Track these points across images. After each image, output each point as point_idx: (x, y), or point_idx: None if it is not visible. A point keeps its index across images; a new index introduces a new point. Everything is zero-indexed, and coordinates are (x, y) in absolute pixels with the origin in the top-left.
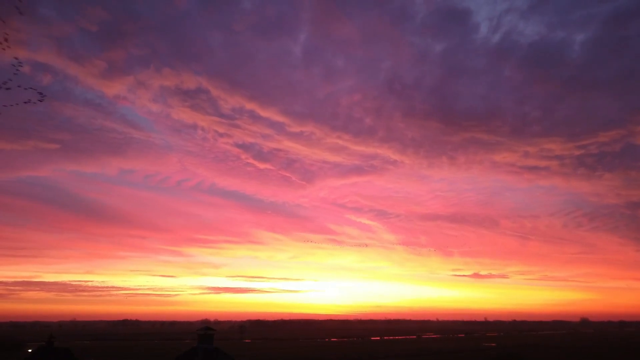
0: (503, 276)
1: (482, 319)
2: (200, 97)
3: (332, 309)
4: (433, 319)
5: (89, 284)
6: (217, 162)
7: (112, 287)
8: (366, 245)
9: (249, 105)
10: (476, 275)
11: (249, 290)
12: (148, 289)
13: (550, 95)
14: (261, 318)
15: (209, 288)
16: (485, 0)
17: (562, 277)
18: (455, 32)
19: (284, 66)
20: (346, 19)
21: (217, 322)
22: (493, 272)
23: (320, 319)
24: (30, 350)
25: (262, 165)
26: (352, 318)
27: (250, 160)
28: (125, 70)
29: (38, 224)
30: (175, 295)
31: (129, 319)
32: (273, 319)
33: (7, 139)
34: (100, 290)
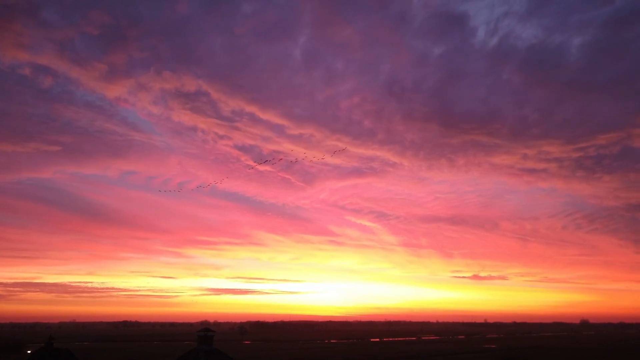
0: (503, 278)
1: (482, 321)
2: (200, 100)
3: (332, 311)
4: (433, 320)
5: (89, 285)
6: (218, 164)
7: (112, 288)
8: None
9: (249, 108)
10: (476, 277)
11: (249, 291)
12: (148, 290)
13: (548, 98)
14: (261, 319)
15: (209, 289)
16: (483, 4)
17: (562, 278)
18: (454, 36)
19: (284, 69)
20: (346, 22)
21: (217, 324)
22: (493, 274)
23: (320, 320)
24: (29, 351)
25: (262, 167)
26: (352, 319)
27: (250, 162)
28: (127, 73)
29: (39, 226)
30: (176, 296)
31: (129, 320)
32: (273, 321)
33: (9, 140)
34: (100, 292)
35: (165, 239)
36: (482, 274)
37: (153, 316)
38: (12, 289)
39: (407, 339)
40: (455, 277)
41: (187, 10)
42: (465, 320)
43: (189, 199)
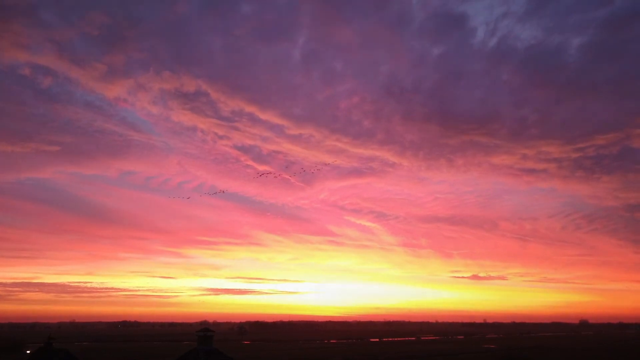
0: (502, 278)
1: (482, 321)
2: (200, 100)
3: (331, 311)
4: (432, 320)
5: (89, 285)
6: (217, 164)
7: (112, 288)
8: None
9: (249, 108)
10: (476, 277)
11: (249, 291)
12: (147, 290)
13: (547, 99)
14: (261, 319)
15: (208, 289)
16: (482, 5)
17: (562, 279)
18: (453, 36)
19: (283, 70)
20: (345, 23)
21: (217, 324)
22: (492, 274)
23: (319, 320)
24: (29, 352)
25: (261, 167)
26: (351, 320)
27: (250, 162)
28: (126, 73)
29: (38, 226)
30: (175, 296)
31: (128, 320)
32: (273, 321)
33: (8, 140)
34: (99, 292)
35: (165, 239)
36: (481, 274)
37: (152, 316)
38: (11, 289)
39: (406, 339)
40: (455, 277)
41: (186, 10)
42: (465, 321)
43: (188, 199)
